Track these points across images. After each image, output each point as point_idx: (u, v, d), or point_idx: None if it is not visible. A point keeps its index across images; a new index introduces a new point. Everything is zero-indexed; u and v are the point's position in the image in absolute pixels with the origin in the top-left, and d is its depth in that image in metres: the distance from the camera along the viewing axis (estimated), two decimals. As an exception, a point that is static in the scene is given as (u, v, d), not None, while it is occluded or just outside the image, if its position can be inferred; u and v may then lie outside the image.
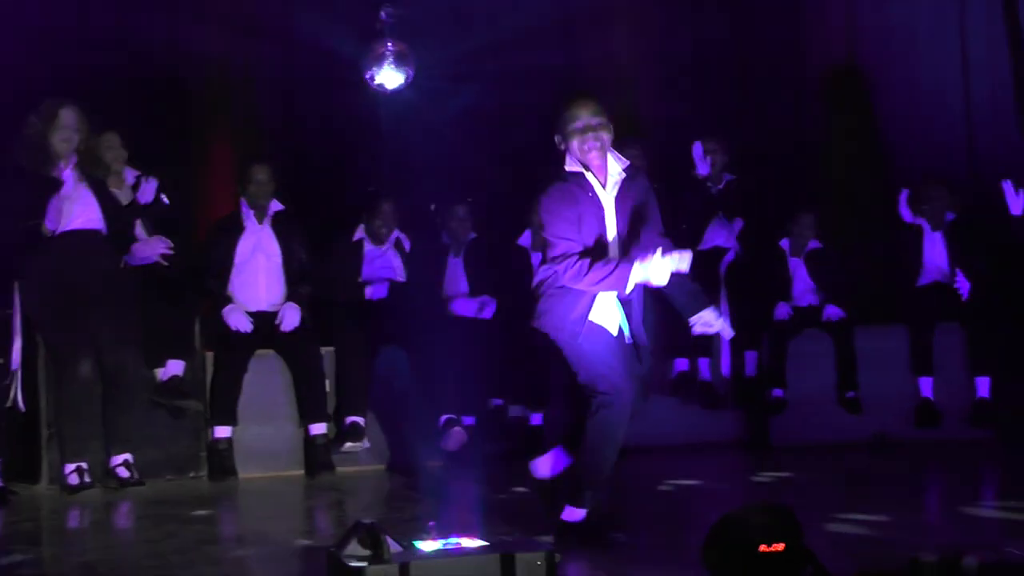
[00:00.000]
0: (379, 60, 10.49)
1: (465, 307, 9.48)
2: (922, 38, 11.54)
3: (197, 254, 9.06)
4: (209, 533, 6.84)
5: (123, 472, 8.01)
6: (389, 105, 10.73)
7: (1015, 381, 9.63)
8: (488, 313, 9.45)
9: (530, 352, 9.22)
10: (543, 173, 6.04)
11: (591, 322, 5.88)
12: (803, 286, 9.93)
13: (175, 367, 8.44)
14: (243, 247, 8.94)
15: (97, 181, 8.12)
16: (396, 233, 9.41)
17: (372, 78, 10.55)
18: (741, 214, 9.95)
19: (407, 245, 9.45)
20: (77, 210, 7.97)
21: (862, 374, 9.64)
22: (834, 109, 11.58)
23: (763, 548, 4.44)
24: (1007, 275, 9.79)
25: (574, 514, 5.96)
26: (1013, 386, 9.61)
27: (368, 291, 9.19)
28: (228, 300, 8.82)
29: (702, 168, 9.61)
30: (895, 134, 11.36)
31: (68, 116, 7.97)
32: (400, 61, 10.50)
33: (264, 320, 8.84)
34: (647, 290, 5.91)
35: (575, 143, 5.87)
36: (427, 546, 4.83)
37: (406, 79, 10.54)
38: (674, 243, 5.96)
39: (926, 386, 9.62)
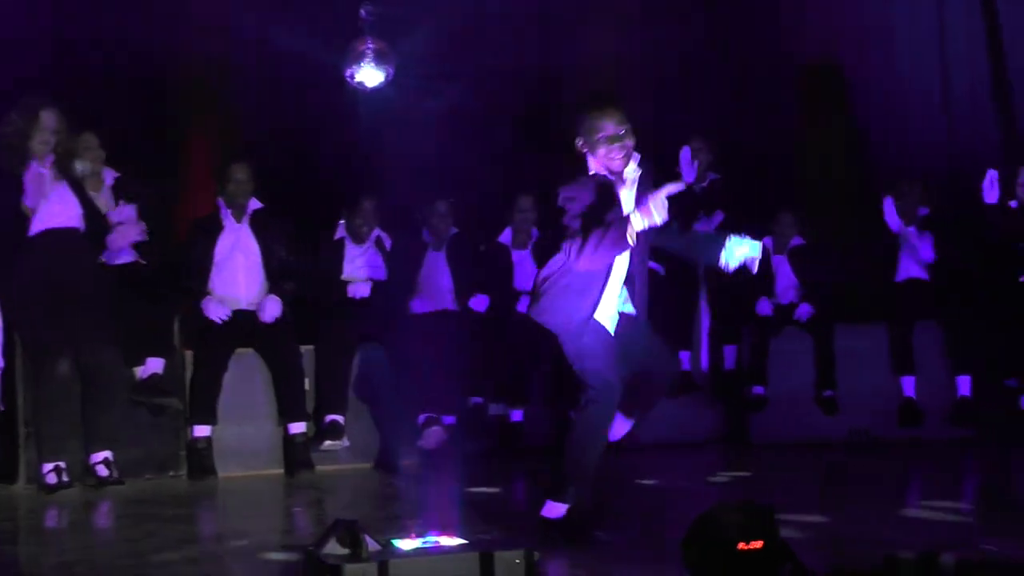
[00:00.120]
0: (359, 58, 10.47)
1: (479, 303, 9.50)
2: (900, 35, 11.58)
3: (176, 253, 9.03)
4: (188, 532, 6.83)
5: (102, 470, 7.97)
6: (369, 103, 10.71)
7: (995, 379, 9.64)
8: (481, 306, 9.47)
9: (509, 349, 9.25)
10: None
11: (594, 320, 5.95)
12: (786, 282, 9.95)
13: (155, 365, 8.41)
14: (222, 246, 8.91)
15: (74, 179, 8.09)
16: (377, 231, 9.40)
17: (352, 76, 10.53)
18: (722, 212, 9.96)
19: (387, 243, 9.44)
20: (55, 209, 7.94)
21: (843, 372, 9.65)
22: (812, 107, 11.59)
23: (741, 546, 4.44)
24: (987, 271, 9.82)
25: (555, 509, 5.98)
26: (993, 384, 9.63)
27: (351, 289, 9.18)
28: (206, 294, 8.81)
29: (688, 175, 9.61)
30: (874, 131, 11.38)
31: (48, 118, 7.94)
32: (380, 59, 10.47)
33: (244, 318, 8.83)
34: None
35: (602, 151, 5.99)
36: (406, 544, 4.82)
37: (386, 77, 10.52)
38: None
39: (908, 385, 9.63)
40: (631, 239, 5.73)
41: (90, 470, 8.01)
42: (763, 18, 11.56)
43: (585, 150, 6.05)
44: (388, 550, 4.73)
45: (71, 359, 8.03)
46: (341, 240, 9.34)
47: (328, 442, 8.69)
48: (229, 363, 8.72)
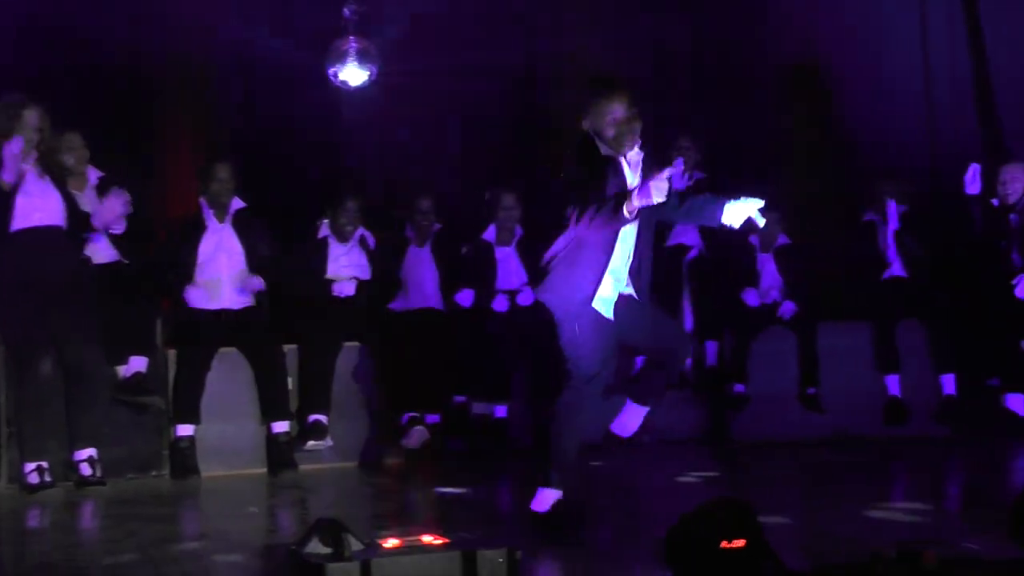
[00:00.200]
0: (342, 57, 10.47)
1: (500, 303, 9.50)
2: (883, 35, 11.58)
3: (159, 252, 9.01)
4: (171, 532, 6.83)
5: (86, 469, 7.95)
6: (352, 102, 10.71)
7: (977, 378, 9.67)
8: (466, 301, 9.47)
9: (493, 347, 9.25)
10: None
11: (593, 309, 6.03)
12: (770, 281, 9.95)
13: (138, 364, 8.41)
14: (205, 246, 8.91)
15: (57, 177, 8.06)
16: (360, 230, 9.39)
17: (335, 75, 10.52)
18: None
19: (371, 242, 9.43)
20: (37, 204, 7.92)
21: (827, 371, 9.66)
22: (795, 106, 11.60)
23: (724, 544, 4.45)
24: (970, 268, 9.85)
25: (542, 501, 6.06)
26: (976, 383, 9.65)
27: (335, 288, 9.16)
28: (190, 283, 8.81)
29: (677, 184, 9.60)
30: (857, 130, 11.39)
31: (32, 117, 7.92)
32: (363, 58, 10.48)
33: (227, 318, 8.83)
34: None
35: (611, 132, 6.07)
36: (388, 544, 4.82)
37: (369, 76, 10.52)
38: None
39: (893, 384, 9.64)
40: (628, 213, 5.77)
41: (74, 468, 7.99)
42: (746, 17, 11.56)
43: (591, 131, 6.12)
44: (371, 549, 4.73)
45: (53, 358, 8.02)
46: (325, 239, 9.33)
47: (312, 442, 8.69)
48: (212, 362, 8.72)
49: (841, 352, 9.72)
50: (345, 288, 9.14)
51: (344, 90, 10.59)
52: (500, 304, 9.42)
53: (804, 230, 10.40)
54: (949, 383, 9.56)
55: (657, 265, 6.22)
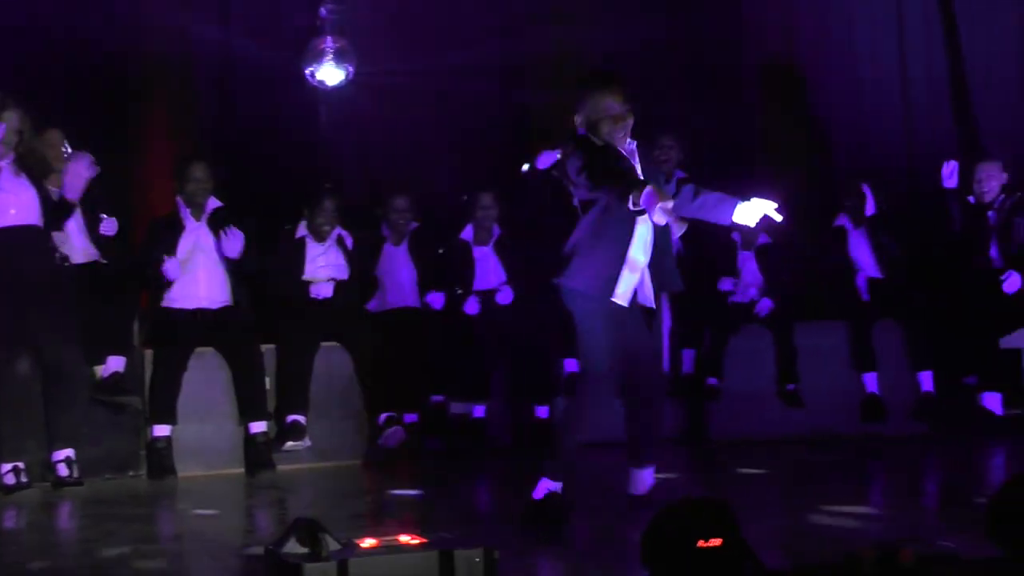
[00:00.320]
0: (319, 57, 10.46)
1: (472, 306, 9.48)
2: (860, 34, 11.61)
3: (138, 250, 8.99)
4: (148, 532, 6.82)
5: (63, 470, 7.93)
6: (330, 102, 10.69)
7: (954, 376, 9.69)
8: (438, 304, 9.45)
9: (469, 346, 9.24)
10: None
11: (612, 301, 6.11)
12: (750, 279, 9.96)
13: (116, 364, 8.40)
14: (183, 246, 8.89)
15: (33, 176, 8.03)
16: (338, 230, 9.38)
17: (312, 75, 10.51)
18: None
19: (349, 242, 9.42)
20: (13, 204, 7.88)
21: (805, 370, 9.67)
22: (773, 105, 11.61)
23: (700, 543, 4.45)
24: (947, 266, 9.88)
25: (543, 486, 6.23)
26: (952, 381, 9.68)
27: (313, 290, 9.15)
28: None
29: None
30: (834, 129, 11.41)
31: (12, 119, 7.90)
32: (341, 58, 10.46)
33: (204, 317, 8.82)
34: None
35: (606, 128, 6.19)
36: (366, 543, 4.82)
37: (346, 76, 10.51)
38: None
39: (870, 381, 9.66)
40: (632, 205, 5.82)
41: (51, 469, 7.97)
42: (723, 17, 11.57)
43: (583, 128, 6.24)
44: (348, 549, 4.72)
45: (31, 358, 8.00)
46: (302, 239, 9.31)
47: (290, 442, 8.68)
48: (189, 362, 8.70)
49: (818, 351, 9.74)
50: (322, 290, 9.13)
51: (321, 90, 10.58)
52: (471, 307, 9.40)
53: (782, 229, 10.41)
54: (927, 380, 9.59)
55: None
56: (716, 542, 4.46)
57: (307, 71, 10.48)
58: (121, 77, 10.48)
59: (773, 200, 6.18)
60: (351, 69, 10.48)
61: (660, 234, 6.25)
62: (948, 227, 9.69)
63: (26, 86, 8.88)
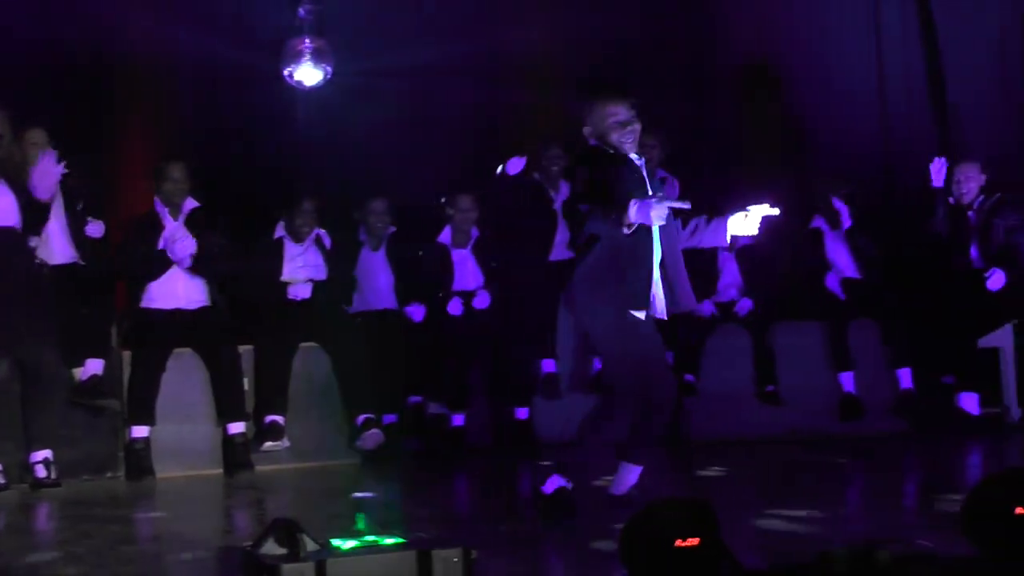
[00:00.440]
0: (297, 57, 10.45)
1: (456, 306, 9.47)
2: (835, 34, 11.63)
3: (114, 248, 8.97)
4: (126, 534, 6.79)
5: (41, 471, 7.95)
6: (308, 102, 10.69)
7: (933, 376, 9.72)
8: (418, 316, 9.43)
9: (448, 349, 9.24)
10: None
11: (635, 316, 6.13)
12: (729, 279, 9.98)
13: (94, 367, 8.39)
14: (162, 246, 8.87)
15: (11, 178, 8.01)
16: (316, 230, 9.37)
17: (291, 75, 10.50)
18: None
19: (327, 242, 9.42)
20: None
21: (783, 370, 9.70)
22: (749, 106, 11.63)
23: (678, 543, 4.46)
24: (928, 265, 9.91)
25: (554, 482, 6.27)
26: (931, 381, 9.71)
27: (291, 291, 9.15)
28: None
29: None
30: (810, 130, 11.43)
31: None
32: (319, 58, 10.46)
33: (182, 318, 8.81)
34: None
35: (614, 135, 6.21)
36: (344, 544, 4.81)
37: (324, 76, 10.50)
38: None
39: (847, 381, 9.69)
40: (625, 228, 5.86)
41: (29, 470, 7.96)
42: (700, 16, 11.59)
43: (592, 138, 6.26)
44: (326, 549, 4.72)
45: (9, 360, 7.99)
46: (280, 240, 9.30)
47: (268, 443, 8.68)
48: (167, 363, 8.69)
49: (796, 351, 9.77)
50: (300, 291, 9.13)
51: (300, 90, 10.57)
52: (455, 308, 9.40)
53: (760, 230, 10.42)
54: (906, 377, 9.62)
55: None
56: (694, 541, 4.47)
57: (285, 71, 10.47)
58: (99, 77, 10.45)
59: (761, 200, 6.23)
60: (329, 69, 10.48)
61: (672, 252, 6.27)
62: (931, 227, 9.71)
63: (3, 87, 8.86)
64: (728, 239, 6.41)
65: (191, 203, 8.98)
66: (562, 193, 9.83)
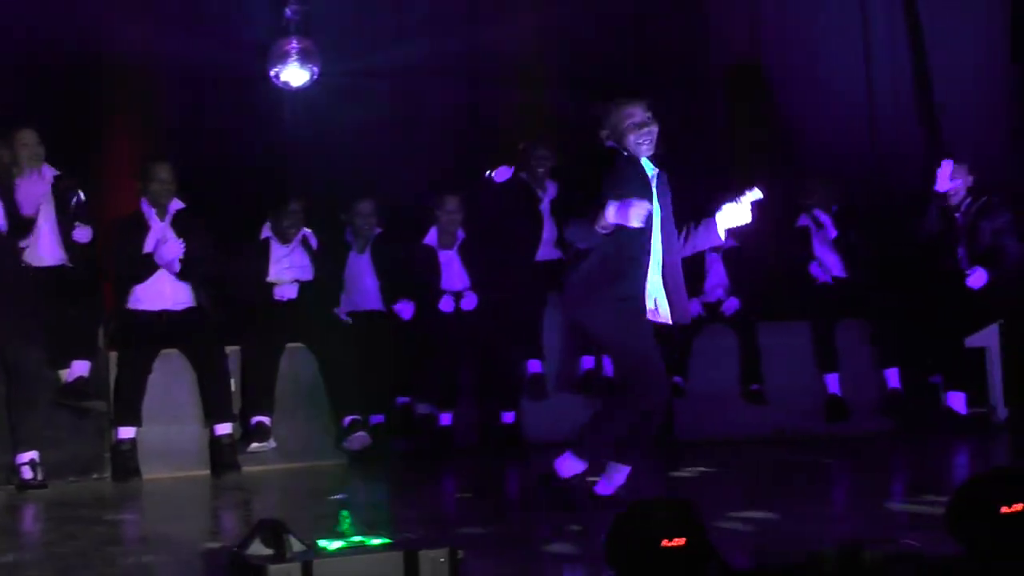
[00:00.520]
0: (284, 57, 10.43)
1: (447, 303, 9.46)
2: (824, 33, 11.63)
3: (100, 249, 8.96)
4: (112, 535, 6.78)
5: (27, 472, 7.96)
6: (294, 102, 10.67)
7: (919, 376, 9.74)
8: (407, 314, 9.42)
9: (436, 349, 9.23)
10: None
11: (635, 309, 6.25)
12: (715, 280, 9.98)
13: (80, 368, 8.37)
14: (148, 247, 8.86)
15: (-1, 180, 8.03)
16: (303, 231, 9.37)
17: (277, 76, 10.49)
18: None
19: (314, 243, 9.41)
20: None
21: (769, 370, 9.70)
22: (738, 107, 11.63)
23: (665, 543, 4.46)
24: (918, 266, 9.93)
25: (570, 465, 6.41)
26: (918, 381, 9.72)
27: (277, 292, 9.14)
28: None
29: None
30: (798, 131, 11.43)
31: None
32: (305, 58, 10.44)
33: (169, 319, 8.79)
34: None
35: (631, 137, 6.28)
36: (330, 544, 4.80)
37: (311, 76, 10.49)
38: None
39: (833, 382, 9.70)
40: (600, 228, 5.95)
41: (15, 471, 7.95)
42: (688, 17, 11.59)
43: (609, 141, 6.33)
44: (313, 550, 4.72)
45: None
46: (267, 241, 9.29)
47: (255, 444, 8.67)
48: (154, 364, 8.67)
49: (783, 351, 9.78)
50: (286, 292, 9.12)
51: (286, 91, 10.55)
52: (446, 304, 9.40)
53: (746, 230, 10.43)
54: (893, 377, 9.64)
55: None
56: (680, 542, 4.47)
57: (272, 72, 10.46)
58: (85, 78, 10.42)
59: (744, 191, 6.28)
60: (316, 70, 10.46)
61: (673, 264, 6.36)
62: (922, 227, 9.71)
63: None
64: (722, 235, 6.46)
65: (177, 204, 8.97)
66: (549, 193, 9.83)
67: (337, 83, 10.62)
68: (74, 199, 8.62)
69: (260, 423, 8.70)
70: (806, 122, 11.43)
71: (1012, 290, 9.65)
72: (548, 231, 9.68)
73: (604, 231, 5.99)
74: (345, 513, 4.84)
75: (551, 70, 11.34)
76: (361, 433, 8.75)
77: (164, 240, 8.77)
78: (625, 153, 6.29)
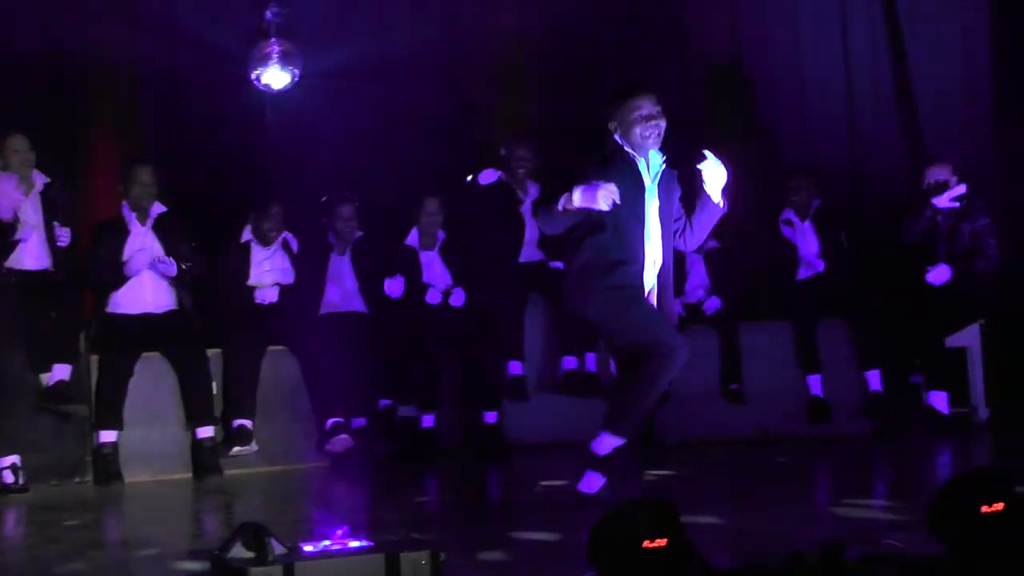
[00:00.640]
0: (265, 60, 10.41)
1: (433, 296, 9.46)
2: (804, 34, 11.63)
3: (86, 253, 8.94)
4: (94, 539, 6.76)
5: (8, 476, 7.96)
6: (275, 105, 10.65)
7: (900, 376, 9.76)
8: (396, 291, 9.40)
9: (418, 350, 9.22)
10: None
11: (634, 291, 6.38)
12: (697, 281, 9.99)
13: (61, 372, 8.34)
14: (128, 250, 8.85)
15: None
16: (284, 234, 9.36)
17: (258, 78, 10.47)
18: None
19: (294, 246, 9.40)
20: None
21: (750, 371, 9.71)
22: (718, 107, 11.64)
23: (646, 543, 4.46)
24: (898, 268, 9.95)
25: (607, 442, 6.50)
26: (899, 379, 9.74)
27: (258, 295, 9.13)
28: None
29: None
30: (778, 131, 11.43)
31: None
32: (286, 61, 10.42)
33: (150, 322, 8.78)
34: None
35: (637, 130, 6.38)
36: (312, 547, 4.80)
37: (292, 79, 10.47)
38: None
39: (815, 383, 9.71)
40: (560, 207, 6.04)
41: (-4, 474, 7.96)
42: (669, 18, 11.59)
43: (617, 132, 6.42)
44: (294, 553, 4.71)
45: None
46: (247, 243, 9.28)
47: (237, 447, 8.67)
48: (135, 367, 8.65)
49: (765, 351, 9.78)
50: (267, 295, 9.12)
51: (267, 93, 10.53)
52: (433, 297, 9.40)
53: (728, 230, 10.45)
54: (875, 379, 9.64)
55: None
56: (662, 542, 4.47)
57: (252, 74, 10.44)
58: (65, 81, 10.40)
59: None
60: (297, 72, 10.45)
61: (667, 271, 6.49)
62: (914, 228, 9.73)
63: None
64: (718, 199, 6.53)
65: (158, 208, 8.95)
66: (530, 194, 9.82)
67: (318, 85, 10.60)
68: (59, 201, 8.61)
69: (242, 426, 8.69)
70: (787, 123, 11.43)
71: (992, 291, 9.69)
72: (530, 232, 9.68)
73: (569, 216, 6.04)
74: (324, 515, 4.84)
75: (532, 71, 11.35)
76: (343, 435, 8.74)
77: (142, 249, 8.75)
78: (627, 148, 6.36)
